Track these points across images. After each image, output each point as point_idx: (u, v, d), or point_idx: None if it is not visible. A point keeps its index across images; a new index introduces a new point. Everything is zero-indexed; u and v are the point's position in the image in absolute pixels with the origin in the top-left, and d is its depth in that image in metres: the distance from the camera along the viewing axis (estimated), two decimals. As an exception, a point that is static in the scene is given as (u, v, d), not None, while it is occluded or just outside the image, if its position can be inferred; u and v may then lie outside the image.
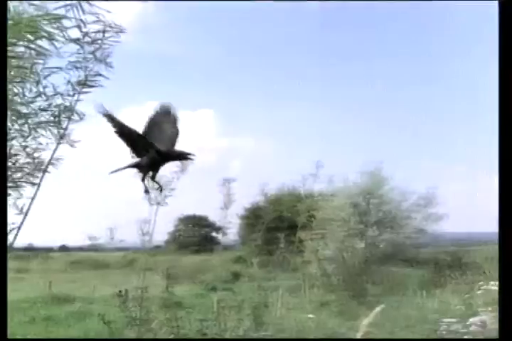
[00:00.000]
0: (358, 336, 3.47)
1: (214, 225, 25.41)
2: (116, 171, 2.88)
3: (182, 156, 2.92)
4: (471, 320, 5.38)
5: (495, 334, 4.60)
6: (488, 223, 11.84)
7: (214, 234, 26.43)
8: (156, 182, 3.07)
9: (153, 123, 2.87)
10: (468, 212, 11.63)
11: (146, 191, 2.97)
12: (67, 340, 6.34)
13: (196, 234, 26.31)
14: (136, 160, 2.82)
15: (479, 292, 6.45)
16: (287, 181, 18.86)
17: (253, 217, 19.93)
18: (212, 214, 27.28)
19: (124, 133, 2.65)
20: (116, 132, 2.64)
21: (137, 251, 14.10)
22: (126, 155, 2.85)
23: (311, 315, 6.58)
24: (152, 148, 2.76)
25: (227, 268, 16.73)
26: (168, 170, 4.39)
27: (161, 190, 4.07)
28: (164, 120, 2.92)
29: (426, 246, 13.25)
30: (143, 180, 2.88)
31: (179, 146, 2.90)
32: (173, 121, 2.94)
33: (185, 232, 26.36)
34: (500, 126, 2.27)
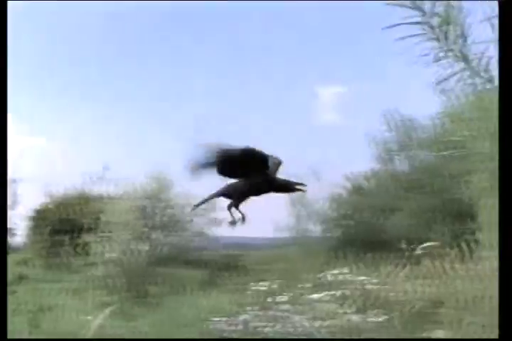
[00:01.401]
0: (89, 335, 3.61)
1: None
2: (201, 203, 2.54)
3: (291, 187, 2.57)
4: (240, 318, 5.77)
5: (254, 332, 5.04)
6: (264, 229, 12.57)
7: None
8: (240, 212, 2.72)
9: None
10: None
11: (233, 222, 2.63)
12: (67, 340, 5.95)
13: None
14: (228, 185, 2.50)
15: (248, 292, 6.90)
16: (75, 183, 18.49)
17: (39, 219, 19.16)
18: None
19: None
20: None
21: None
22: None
23: (90, 317, 6.59)
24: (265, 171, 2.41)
25: (12, 270, 15.96)
26: None
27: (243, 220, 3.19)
28: None
29: (206, 249, 13.71)
30: (230, 208, 2.56)
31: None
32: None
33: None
34: (501, 126, 2.42)
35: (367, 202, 9.92)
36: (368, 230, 9.27)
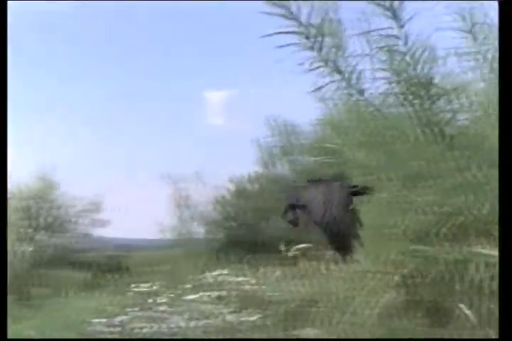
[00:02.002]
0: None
1: None
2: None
3: None
4: (120, 319, 5.71)
5: (131, 333, 4.99)
6: (148, 230, 12.47)
7: None
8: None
9: None
10: (131, 219, 12.06)
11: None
12: (67, 340, 5.46)
13: None
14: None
15: (130, 293, 6.84)
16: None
17: None
18: None
19: None
20: None
21: None
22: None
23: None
24: None
25: None
26: None
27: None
28: None
29: (90, 250, 13.44)
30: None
31: None
32: None
33: None
34: (501, 126, 2.39)
35: (250, 205, 10.07)
36: (249, 232, 9.41)
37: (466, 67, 4.06)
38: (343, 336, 3.99)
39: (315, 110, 4.93)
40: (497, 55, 3.77)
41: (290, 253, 6.06)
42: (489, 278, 3.49)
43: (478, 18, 3.81)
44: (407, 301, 4.03)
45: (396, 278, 4.13)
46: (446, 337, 3.64)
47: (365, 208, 4.49)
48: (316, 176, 6.28)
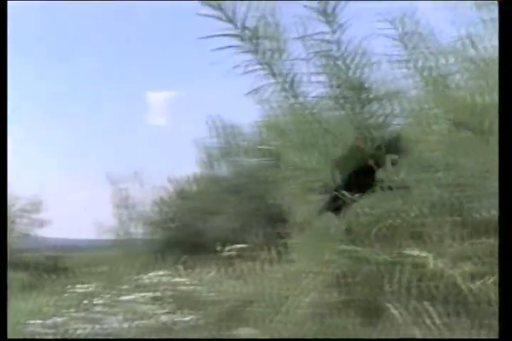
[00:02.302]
0: None
1: None
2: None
3: None
4: (55, 321, 5.62)
5: (66, 334, 4.92)
6: (87, 231, 12.31)
7: None
8: None
9: None
10: (70, 220, 11.91)
11: None
12: (67, 340, 5.16)
13: None
14: None
15: (66, 295, 6.72)
16: None
17: None
18: None
19: None
20: None
21: None
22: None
23: None
24: None
25: None
26: None
27: None
28: None
29: (29, 251, 13.20)
30: None
31: None
32: None
33: None
34: (501, 126, 2.35)
35: (189, 206, 10.03)
36: (189, 233, 9.38)
37: (398, 74, 4.16)
38: (276, 335, 4.02)
39: (255, 112, 4.96)
40: (427, 64, 3.89)
41: (225, 254, 6.07)
42: (417, 279, 3.58)
43: (410, 26, 3.90)
44: (340, 301, 4.09)
45: (329, 278, 4.19)
46: (375, 336, 3.72)
47: (301, 209, 4.55)
48: (254, 178, 6.33)
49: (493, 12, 3.90)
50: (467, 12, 3.99)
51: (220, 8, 3.82)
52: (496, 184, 2.83)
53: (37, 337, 5.38)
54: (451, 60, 4.00)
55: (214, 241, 6.77)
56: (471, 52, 3.89)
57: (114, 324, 4.97)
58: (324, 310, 4.07)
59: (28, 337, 5.45)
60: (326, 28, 3.65)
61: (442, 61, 4.02)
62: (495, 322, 3.26)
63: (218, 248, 6.31)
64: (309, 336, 3.94)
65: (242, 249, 5.98)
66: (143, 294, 5.42)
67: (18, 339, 5.20)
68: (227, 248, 6.10)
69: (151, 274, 5.84)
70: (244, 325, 4.30)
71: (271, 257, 4.84)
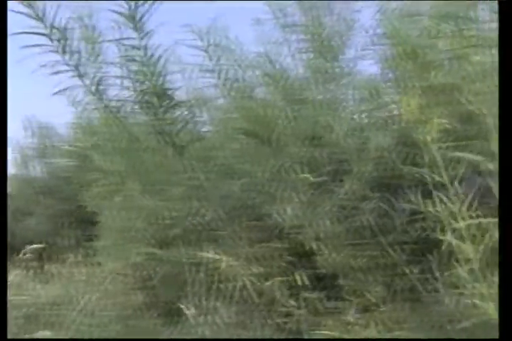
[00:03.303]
0: None
1: None
2: None
3: None
4: None
5: None
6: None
7: None
8: None
9: None
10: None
11: None
12: (67, 340, 3.96)
13: None
14: None
15: None
16: None
17: None
18: None
19: None
20: None
21: None
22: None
23: None
24: None
25: None
26: None
27: None
28: None
29: None
30: None
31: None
32: None
33: None
34: (501, 126, 2.14)
35: (3, 206, 9.56)
36: (0, 234, 8.93)
37: (206, 83, 4.27)
38: (78, 336, 3.97)
39: (69, 113, 4.86)
40: (231, 75, 4.03)
41: (24, 255, 5.85)
42: (217, 281, 3.68)
43: (215, 38, 4.02)
44: (144, 302, 4.11)
45: (135, 280, 4.19)
46: (174, 335, 3.77)
47: (107, 212, 4.51)
48: (67, 179, 6.17)
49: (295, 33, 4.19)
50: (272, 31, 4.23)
51: (31, 6, 3.72)
52: (281, 192, 3.03)
53: None
54: (256, 73, 4.18)
55: (24, 243, 6.50)
56: (270, 67, 4.10)
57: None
58: (129, 311, 4.07)
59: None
60: (134, 34, 3.66)
61: (248, 73, 4.18)
62: (285, 320, 3.46)
63: (23, 250, 6.07)
64: (112, 337, 3.92)
65: (39, 249, 5.80)
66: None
67: (18, 339, 4.77)
68: (26, 249, 5.88)
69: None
70: (46, 328, 4.19)
71: (78, 259, 4.75)
